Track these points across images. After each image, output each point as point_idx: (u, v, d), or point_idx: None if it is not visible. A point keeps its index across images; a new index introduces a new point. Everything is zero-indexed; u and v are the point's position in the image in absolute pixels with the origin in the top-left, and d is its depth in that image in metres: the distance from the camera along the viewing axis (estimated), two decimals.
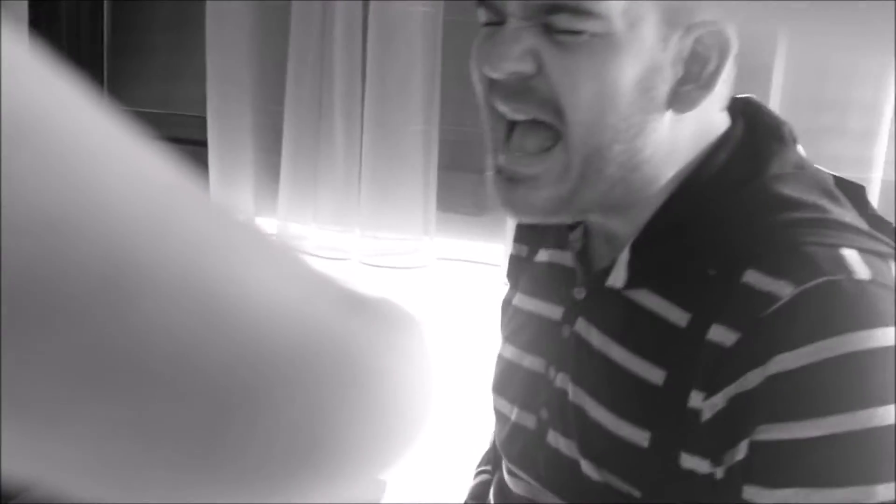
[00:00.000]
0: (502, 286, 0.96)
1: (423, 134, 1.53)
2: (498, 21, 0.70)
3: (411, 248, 1.59)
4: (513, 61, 0.68)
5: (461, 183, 1.60)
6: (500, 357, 0.90)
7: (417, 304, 1.61)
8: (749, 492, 0.64)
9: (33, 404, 0.23)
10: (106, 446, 0.25)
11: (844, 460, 0.61)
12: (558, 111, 0.69)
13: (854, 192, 0.75)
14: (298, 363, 0.28)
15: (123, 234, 0.23)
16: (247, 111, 1.64)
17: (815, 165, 0.76)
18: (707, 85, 0.70)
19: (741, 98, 0.78)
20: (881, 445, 0.61)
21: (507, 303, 0.93)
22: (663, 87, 0.69)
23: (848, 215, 0.71)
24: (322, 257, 1.63)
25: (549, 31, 0.68)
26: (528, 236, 0.93)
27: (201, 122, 1.65)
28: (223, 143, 1.64)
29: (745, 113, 0.76)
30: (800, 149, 0.76)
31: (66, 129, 0.23)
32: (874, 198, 1.34)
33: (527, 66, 0.68)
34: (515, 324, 0.88)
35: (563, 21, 0.67)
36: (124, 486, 0.27)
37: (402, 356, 0.34)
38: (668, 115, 0.70)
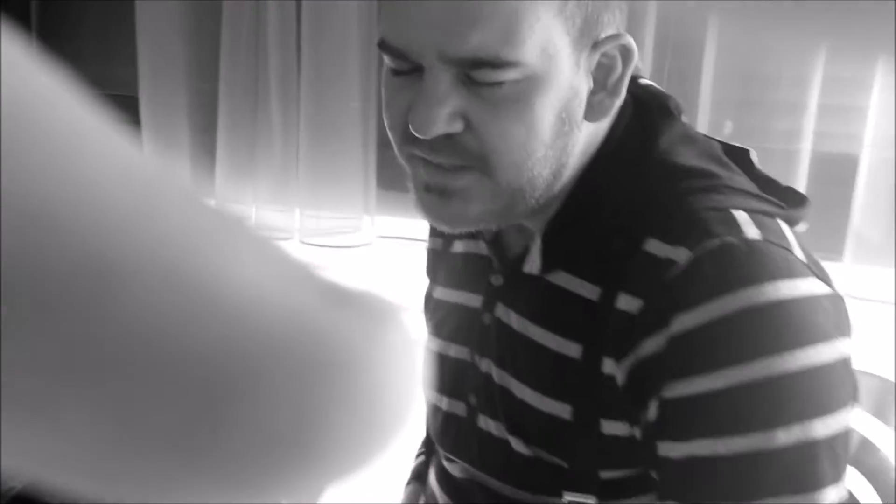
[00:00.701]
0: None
1: (362, 111, 1.52)
2: (410, 69, 0.70)
3: (352, 226, 1.58)
4: (442, 124, 0.68)
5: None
6: (426, 351, 0.91)
7: (359, 282, 1.60)
8: (662, 448, 0.68)
9: (18, 398, 0.23)
10: (90, 440, 0.25)
11: (744, 409, 0.65)
12: (484, 159, 0.70)
13: (741, 156, 0.79)
14: (281, 356, 0.28)
15: (106, 226, 0.23)
16: (180, 90, 1.61)
17: (702, 134, 0.80)
18: (615, 92, 0.73)
19: (632, 80, 0.80)
20: (778, 393, 0.64)
21: (428, 297, 0.95)
22: (581, 106, 0.71)
23: (737, 179, 0.75)
24: None
25: (471, 83, 0.68)
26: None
27: (133, 103, 1.62)
28: (156, 124, 1.61)
29: (633, 93, 0.78)
30: (685, 119, 0.80)
31: (47, 122, 0.23)
32: (804, 169, 1.38)
33: (455, 127, 0.69)
34: (438, 317, 0.90)
35: (484, 75, 0.67)
36: (109, 479, 0.27)
37: (385, 349, 0.34)
38: (586, 125, 0.73)
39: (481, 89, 0.67)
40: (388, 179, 1.58)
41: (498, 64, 0.66)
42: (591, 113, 0.72)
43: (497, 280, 0.82)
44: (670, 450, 0.67)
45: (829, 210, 1.41)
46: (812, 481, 0.64)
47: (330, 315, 0.31)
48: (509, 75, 0.66)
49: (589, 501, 0.73)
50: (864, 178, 1.34)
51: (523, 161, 0.70)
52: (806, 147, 1.38)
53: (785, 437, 0.64)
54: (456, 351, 0.86)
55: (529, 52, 0.66)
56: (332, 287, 0.32)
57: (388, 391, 0.34)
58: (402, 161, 0.75)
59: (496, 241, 0.83)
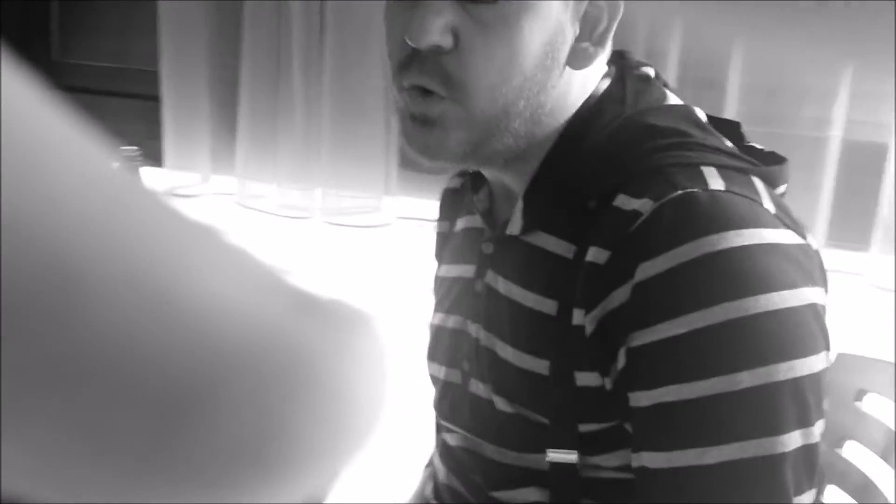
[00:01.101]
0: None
1: (385, 90, 1.51)
2: None
3: (373, 206, 1.57)
4: (436, 34, 0.71)
5: None
6: (430, 326, 0.94)
7: (379, 262, 1.60)
8: (633, 398, 0.69)
9: None
10: (52, 447, 0.25)
11: (706, 353, 0.66)
12: (462, 86, 0.73)
13: (730, 128, 0.81)
14: (249, 362, 0.28)
15: (71, 232, 0.23)
16: (202, 65, 1.60)
17: (685, 104, 0.81)
18: (600, 42, 0.75)
19: (615, 51, 0.83)
20: (739, 336, 0.65)
21: (435, 279, 0.97)
22: (564, 47, 0.74)
23: (711, 139, 0.76)
24: (282, 216, 1.61)
25: (469, 3, 0.71)
26: (447, 212, 0.98)
27: (154, 77, 1.61)
28: (178, 99, 1.61)
29: (617, 64, 0.81)
30: (669, 92, 0.82)
31: (11, 127, 0.22)
32: (833, 157, 1.36)
33: (446, 41, 0.72)
34: (441, 293, 0.93)
35: None
36: (71, 485, 0.27)
37: (354, 356, 0.34)
38: (567, 72, 0.76)
39: (475, 8, 0.71)
40: (410, 160, 1.57)
41: None
42: (575, 59, 0.75)
43: (487, 248, 0.84)
44: (640, 399, 0.68)
45: (857, 199, 1.39)
46: (777, 424, 0.65)
47: (297, 322, 0.31)
48: None
49: (571, 457, 0.75)
50: (894, 168, 1.32)
51: (499, 86, 0.72)
52: (836, 135, 1.36)
53: (748, 379, 0.65)
54: (453, 321, 0.88)
55: None
56: (300, 294, 0.32)
57: (356, 398, 0.34)
58: (394, 94, 0.78)
59: (489, 210, 0.86)
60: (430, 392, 0.94)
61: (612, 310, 0.69)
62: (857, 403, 0.93)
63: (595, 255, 0.71)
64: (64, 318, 0.23)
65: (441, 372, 0.89)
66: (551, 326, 0.74)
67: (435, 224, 1.01)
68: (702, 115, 0.79)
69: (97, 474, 0.26)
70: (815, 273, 0.70)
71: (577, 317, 0.72)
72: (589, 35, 0.75)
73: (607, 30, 0.75)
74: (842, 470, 0.92)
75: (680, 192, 0.68)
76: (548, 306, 0.75)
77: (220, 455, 0.28)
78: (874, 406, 0.93)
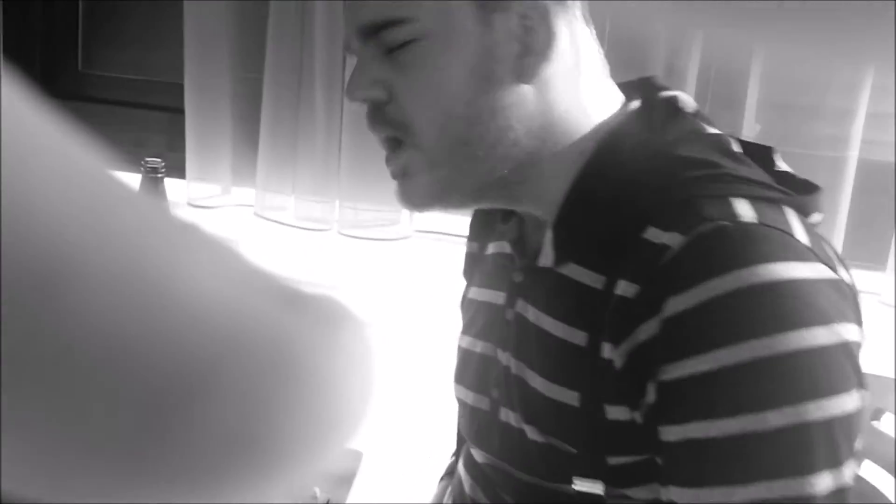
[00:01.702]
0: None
1: None
2: (354, 51, 0.78)
3: (391, 220, 1.58)
4: (362, 90, 0.76)
5: None
6: (458, 348, 0.95)
7: (397, 276, 1.61)
8: (663, 431, 0.68)
9: None
10: (41, 442, 0.25)
11: (736, 391, 0.64)
12: (408, 128, 0.76)
13: (761, 153, 0.79)
14: (235, 359, 0.28)
15: (56, 229, 0.23)
16: (225, 78, 1.62)
17: (718, 132, 0.80)
18: (543, 53, 0.74)
19: (641, 78, 0.83)
20: (769, 374, 0.64)
21: (463, 298, 0.98)
22: (502, 66, 0.74)
23: (743, 170, 0.74)
24: (301, 228, 1.63)
25: (388, 53, 0.75)
26: (478, 234, 0.98)
27: (178, 89, 1.63)
28: (201, 111, 1.62)
29: (643, 89, 0.81)
30: (699, 120, 0.81)
31: None
32: (850, 177, 1.35)
33: (378, 94, 0.76)
34: (469, 315, 0.94)
35: (387, 38, 0.74)
36: (63, 482, 0.27)
37: (341, 353, 0.34)
38: (526, 90, 0.75)
39: (394, 56, 0.74)
40: None
41: (392, 23, 0.73)
42: (524, 75, 0.75)
43: (518, 276, 0.84)
44: (668, 433, 0.68)
45: (874, 219, 1.39)
46: (806, 465, 0.64)
47: (285, 319, 0.31)
48: (406, 32, 0.73)
49: (597, 488, 0.74)
50: None
51: (442, 121, 0.74)
52: (853, 154, 1.36)
53: (777, 419, 0.63)
54: (482, 347, 0.88)
55: (421, 8, 0.73)
56: (288, 291, 0.32)
57: (342, 394, 0.34)
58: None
59: (519, 238, 0.86)
60: (456, 412, 0.95)
61: (641, 343, 0.68)
62: (875, 423, 0.93)
63: (624, 288, 0.70)
64: (50, 313, 0.23)
65: (469, 397, 0.89)
66: (581, 358, 0.74)
67: (466, 244, 1.01)
68: (734, 143, 0.78)
69: (88, 471, 0.26)
70: (848, 309, 0.68)
71: (607, 350, 0.71)
72: (531, 49, 0.74)
73: (548, 39, 0.74)
74: (860, 489, 0.92)
75: (710, 224, 0.67)
76: (578, 337, 0.74)
77: (210, 450, 0.28)
78: (891, 425, 0.93)
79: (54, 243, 0.23)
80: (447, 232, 1.60)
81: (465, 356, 0.92)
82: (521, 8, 0.74)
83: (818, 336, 0.64)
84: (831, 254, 0.72)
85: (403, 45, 0.74)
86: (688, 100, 0.82)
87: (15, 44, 1.73)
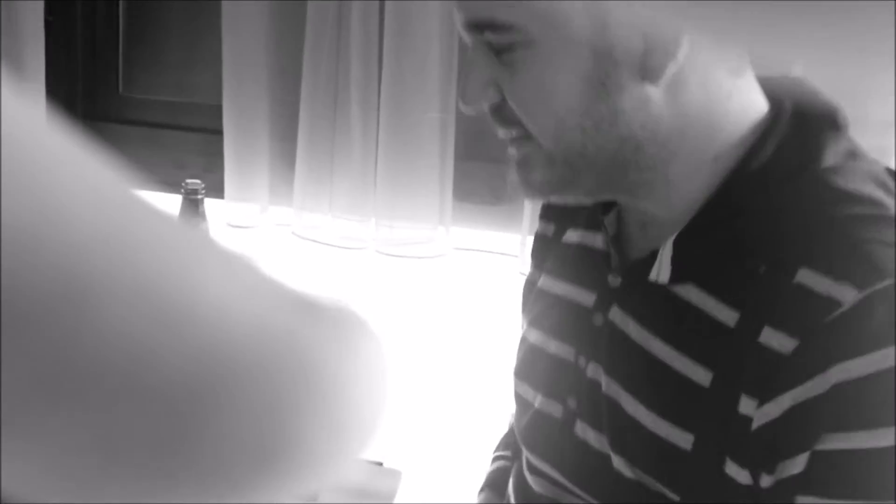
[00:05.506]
0: (519, 275, 0.96)
1: (440, 122, 1.53)
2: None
3: (427, 237, 1.58)
4: (475, 96, 0.72)
5: (478, 172, 1.59)
6: (523, 340, 0.87)
7: (433, 293, 1.60)
8: (804, 501, 0.62)
9: None
10: (67, 456, 0.25)
11: None
12: (525, 127, 0.72)
13: None
14: (254, 368, 0.29)
15: (81, 245, 0.24)
16: (262, 99, 1.64)
17: (868, 154, 0.72)
18: (669, 49, 0.67)
19: (790, 79, 0.75)
20: None
21: (530, 284, 0.91)
22: (622, 68, 0.67)
23: None
24: (337, 247, 1.63)
25: (496, 51, 0.70)
26: (555, 215, 0.91)
27: (217, 111, 1.65)
28: (238, 132, 1.64)
29: (794, 95, 0.72)
30: (851, 136, 0.73)
31: (23, 145, 0.23)
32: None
33: (491, 97, 0.72)
34: (541, 307, 0.86)
35: (493, 38, 0.69)
36: (84, 492, 0.27)
37: (356, 360, 0.34)
38: (651, 91, 0.68)
39: (502, 56, 0.70)
40: (465, 191, 1.58)
41: (496, 26, 0.68)
42: (648, 75, 0.67)
43: (615, 281, 0.77)
44: None
45: None
46: None
47: (301, 328, 0.32)
48: (511, 37, 0.68)
49: None
50: None
51: (556, 128, 0.70)
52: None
53: None
54: (557, 347, 0.81)
55: (524, 15, 0.67)
56: (304, 301, 0.33)
57: (358, 401, 0.34)
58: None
59: (618, 236, 0.79)
60: (514, 411, 0.89)
61: (797, 406, 0.61)
62: None
63: (775, 339, 0.62)
64: (76, 328, 0.24)
65: (536, 399, 0.83)
66: (703, 399, 0.67)
67: (538, 223, 0.94)
68: (885, 172, 0.70)
69: (107, 480, 0.27)
70: None
71: (746, 405, 0.64)
72: (654, 45, 0.67)
73: (675, 33, 0.66)
74: None
75: (889, 281, 0.60)
76: (700, 375, 0.67)
77: (227, 458, 0.28)
78: None
79: (80, 260, 0.24)
80: (484, 249, 1.60)
81: (533, 352, 0.85)
82: None
83: None
84: None
85: (509, 46, 0.69)
86: (839, 109, 0.72)
87: (59, 69, 1.76)
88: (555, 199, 0.78)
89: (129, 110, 1.84)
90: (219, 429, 0.28)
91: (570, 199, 0.78)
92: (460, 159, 1.55)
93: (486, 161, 1.58)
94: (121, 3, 1.84)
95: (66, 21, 1.78)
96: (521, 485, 0.86)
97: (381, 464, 1.27)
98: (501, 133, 0.74)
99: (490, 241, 1.59)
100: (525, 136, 0.72)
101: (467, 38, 0.73)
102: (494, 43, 0.69)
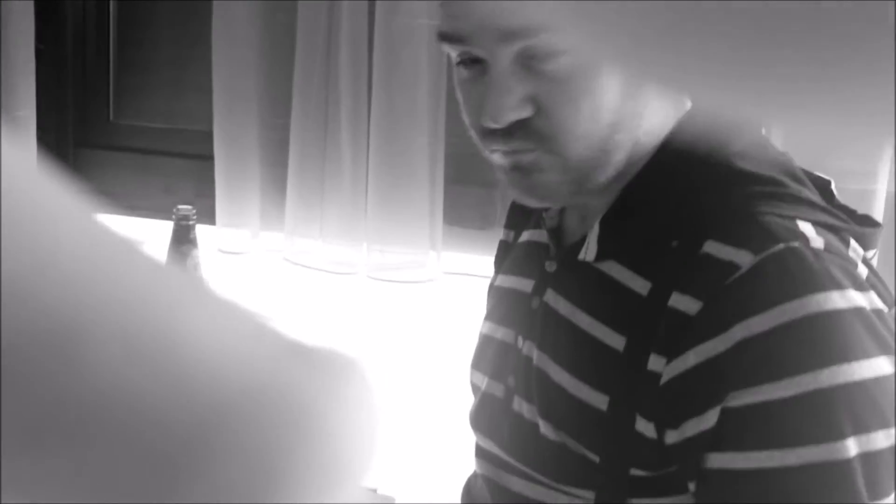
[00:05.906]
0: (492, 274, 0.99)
1: (430, 147, 1.54)
2: (473, 59, 0.73)
3: (418, 262, 1.59)
4: (512, 111, 0.71)
5: (467, 197, 1.60)
6: (479, 335, 0.93)
7: (425, 317, 1.61)
8: (720, 459, 0.66)
9: None
10: (58, 498, 0.26)
11: (815, 418, 0.63)
12: (554, 139, 0.72)
13: (820, 182, 0.78)
14: (244, 411, 0.29)
15: (72, 292, 0.24)
16: (253, 125, 1.65)
17: (782, 152, 0.79)
18: None
19: None
20: (847, 401, 0.63)
21: (490, 286, 0.96)
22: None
23: (806, 192, 0.73)
24: (328, 272, 1.63)
25: (532, 64, 0.70)
26: (515, 221, 0.96)
27: (208, 137, 1.65)
28: (229, 158, 1.65)
29: None
30: (764, 132, 0.79)
31: (15, 196, 0.24)
32: (879, 210, 1.34)
33: (526, 112, 0.71)
34: (493, 301, 0.92)
35: (533, 45, 0.69)
36: None
37: (344, 402, 0.35)
38: (656, 101, 0.75)
39: (544, 67, 0.70)
40: (455, 216, 1.58)
41: (537, 32, 0.68)
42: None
43: (551, 266, 0.82)
44: (731, 461, 0.65)
45: None
46: (877, 492, 0.64)
47: (290, 372, 0.32)
48: (554, 43, 0.68)
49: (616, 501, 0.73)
50: None
51: (594, 132, 0.71)
52: (881, 188, 1.34)
53: (855, 447, 0.63)
54: (503, 334, 0.86)
55: (569, 17, 0.67)
56: (292, 345, 0.33)
57: (347, 442, 0.35)
58: (487, 157, 0.77)
59: (558, 227, 0.84)
60: (469, 401, 0.93)
61: (702, 364, 0.66)
62: None
63: (682, 302, 0.68)
64: (62, 375, 0.24)
65: (483, 382, 0.87)
66: (618, 362, 0.72)
67: (502, 231, 0.99)
68: (795, 164, 0.77)
69: None
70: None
71: (655, 363, 0.69)
72: None
73: None
74: None
75: (782, 245, 0.66)
76: (615, 341, 0.72)
77: (218, 499, 0.28)
78: None
79: (70, 306, 0.24)
80: (474, 273, 1.60)
81: (484, 342, 0.90)
82: None
83: (884, 366, 0.64)
84: (887, 288, 0.72)
85: (551, 54, 0.69)
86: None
87: (50, 96, 1.76)
88: (555, 204, 0.81)
89: (120, 137, 1.84)
90: (210, 476, 0.28)
91: (574, 203, 0.80)
92: (450, 184, 1.56)
93: (475, 185, 1.59)
94: (111, 30, 1.85)
95: (56, 49, 1.79)
96: (471, 475, 0.90)
97: (375, 490, 1.26)
98: (515, 146, 0.73)
99: (480, 266, 1.59)
100: (540, 148, 0.73)
101: (493, 55, 0.71)
102: (533, 51, 0.69)
